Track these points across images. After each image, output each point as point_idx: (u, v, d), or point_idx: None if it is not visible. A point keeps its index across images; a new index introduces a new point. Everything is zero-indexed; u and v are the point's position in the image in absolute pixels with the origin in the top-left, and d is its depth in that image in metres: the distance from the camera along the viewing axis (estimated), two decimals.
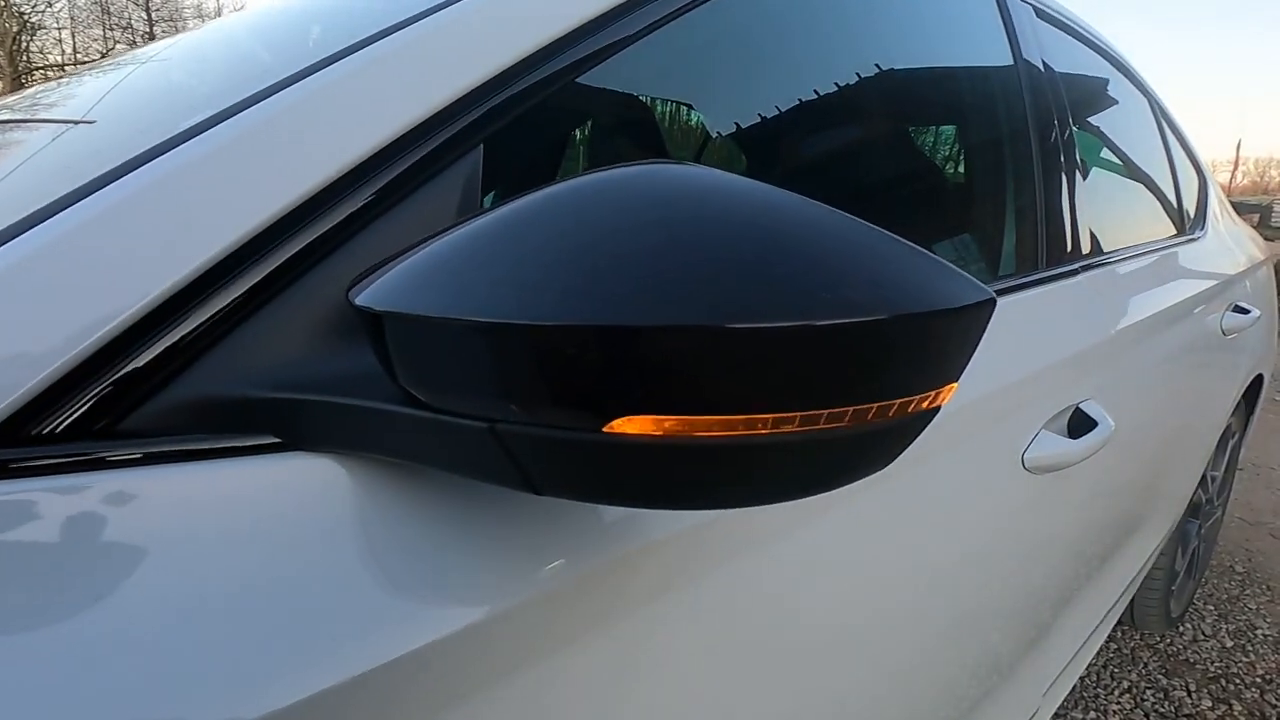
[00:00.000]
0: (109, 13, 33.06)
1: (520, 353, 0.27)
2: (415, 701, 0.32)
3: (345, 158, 0.36)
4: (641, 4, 0.50)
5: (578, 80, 0.46)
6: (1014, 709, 0.95)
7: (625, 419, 0.26)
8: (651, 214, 0.28)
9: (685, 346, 0.25)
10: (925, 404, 0.29)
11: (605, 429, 0.26)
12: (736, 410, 0.26)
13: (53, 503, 0.28)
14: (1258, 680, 1.67)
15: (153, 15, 35.36)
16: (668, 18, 0.51)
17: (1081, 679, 1.63)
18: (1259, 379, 1.79)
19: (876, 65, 0.77)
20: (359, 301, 0.31)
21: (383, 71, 0.41)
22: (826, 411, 0.27)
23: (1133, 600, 1.61)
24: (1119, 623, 1.75)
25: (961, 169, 0.93)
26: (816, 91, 0.71)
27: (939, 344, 0.28)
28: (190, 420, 0.32)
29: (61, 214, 0.32)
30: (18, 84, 12.19)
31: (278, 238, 0.34)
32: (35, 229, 0.32)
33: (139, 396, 0.31)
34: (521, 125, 0.43)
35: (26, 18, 15.55)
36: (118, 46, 33.78)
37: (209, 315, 0.32)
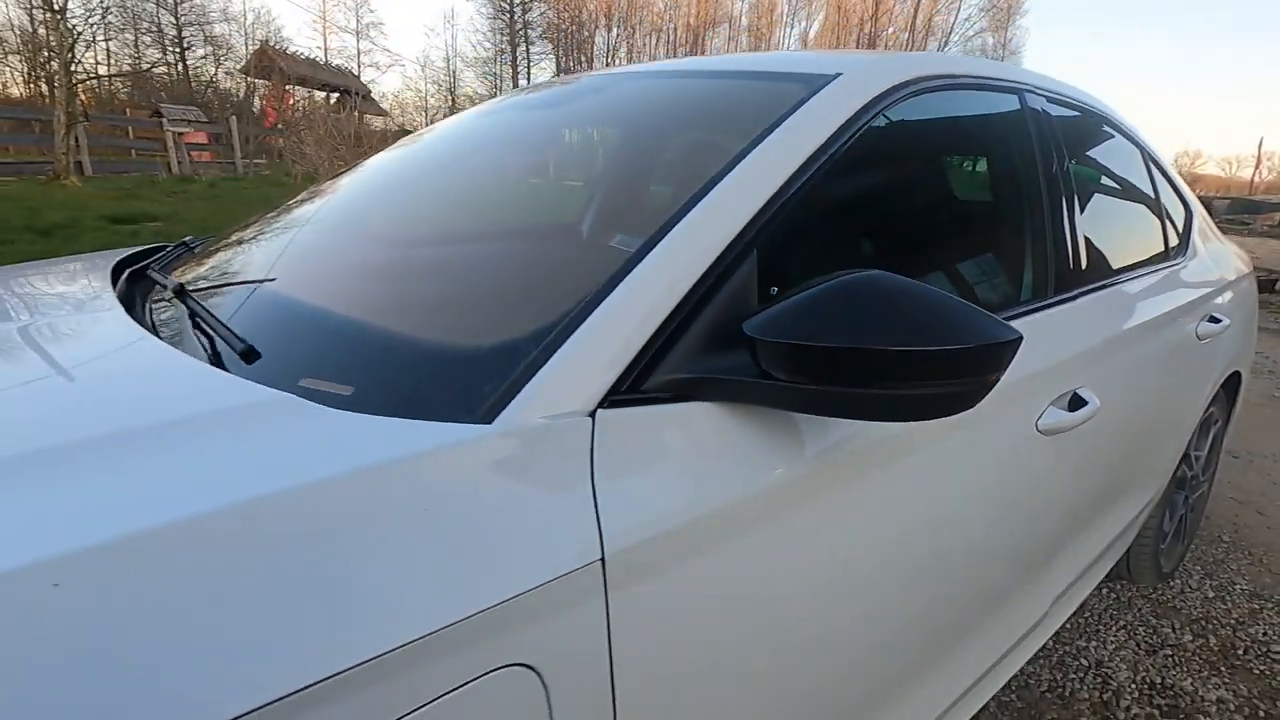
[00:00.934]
0: (138, 17, 33.71)
1: (830, 359, 0.67)
2: (755, 515, 0.72)
3: (729, 235, 0.77)
4: (820, 162, 0.89)
5: (820, 187, 0.87)
6: (1026, 613, 1.34)
7: (886, 382, 0.66)
8: (876, 295, 0.68)
9: (894, 357, 0.65)
10: (989, 380, 0.69)
11: (876, 387, 0.66)
12: (919, 378, 0.66)
13: (637, 423, 0.68)
14: (1231, 622, 2.04)
15: (180, 19, 36.02)
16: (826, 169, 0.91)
17: (1084, 618, 2.00)
18: (1237, 375, 2.16)
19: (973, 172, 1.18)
20: (746, 330, 0.71)
21: (733, 192, 0.81)
22: (951, 381, 0.67)
23: (1128, 556, 1.97)
24: (1118, 577, 2.13)
25: (1005, 236, 1.31)
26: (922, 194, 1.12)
27: (993, 358, 0.68)
28: (662, 389, 0.71)
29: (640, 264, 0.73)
30: (72, 93, 12.76)
31: (703, 289, 0.74)
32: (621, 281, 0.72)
33: (646, 377, 0.70)
34: (793, 224, 0.83)
35: (77, 29, 16.20)
36: (149, 51, 34.23)
37: (672, 331, 0.72)
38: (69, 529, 0.47)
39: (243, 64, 32.04)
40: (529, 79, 48.14)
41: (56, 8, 12.11)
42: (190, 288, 0.94)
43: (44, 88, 35.41)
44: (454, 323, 0.81)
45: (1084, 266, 1.39)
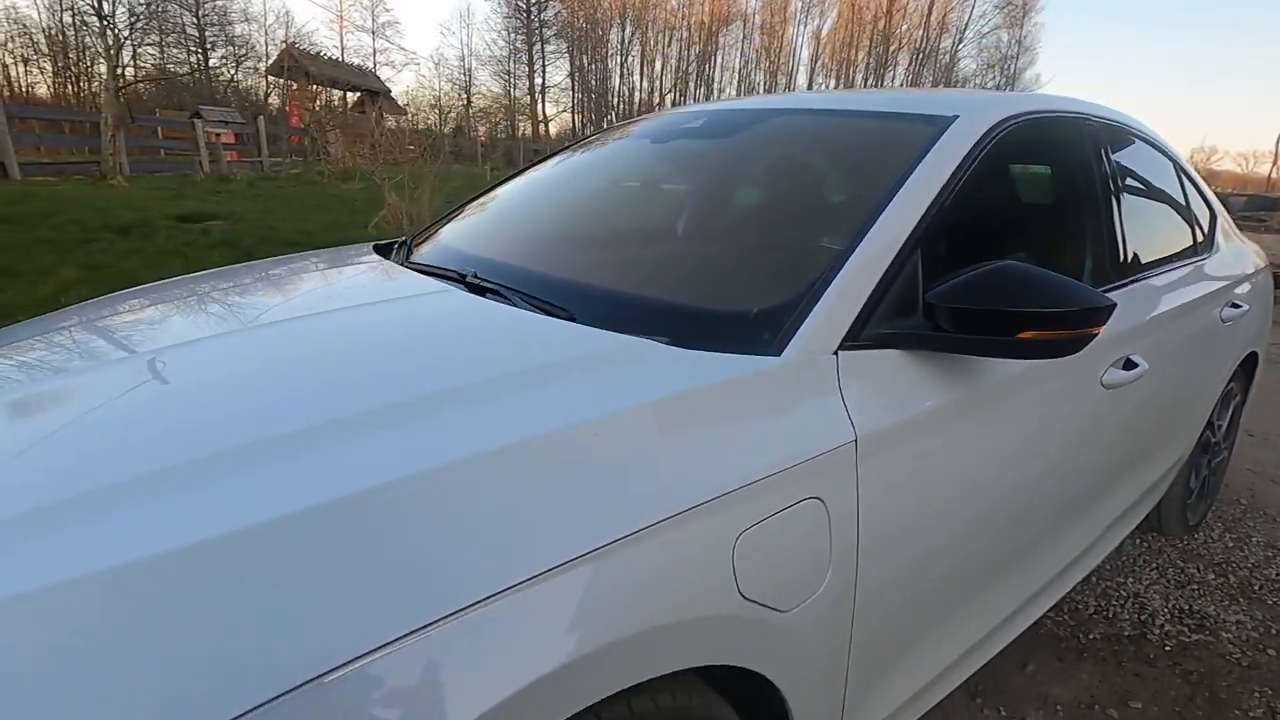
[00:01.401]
0: (162, 17, 34.24)
1: (985, 318, 1.03)
2: (929, 424, 1.09)
3: (902, 236, 1.13)
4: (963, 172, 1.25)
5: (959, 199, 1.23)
6: (1087, 531, 1.69)
7: (1025, 333, 1.02)
8: (1013, 275, 1.04)
9: (1026, 315, 1.01)
10: (1091, 333, 1.05)
11: (1019, 335, 1.02)
12: (1042, 329, 1.02)
13: (859, 360, 1.04)
14: (1249, 566, 2.38)
15: (203, 20, 36.60)
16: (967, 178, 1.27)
17: (1121, 560, 2.35)
18: (1254, 355, 2.50)
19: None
20: (928, 298, 1.07)
21: (902, 206, 1.17)
22: (1063, 333, 1.03)
23: (1159, 509, 2.31)
24: (1150, 530, 2.47)
25: (1076, 234, 1.66)
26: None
27: (1095, 317, 1.04)
28: (870, 340, 1.07)
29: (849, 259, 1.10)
30: (119, 95, 13.24)
31: (890, 274, 1.10)
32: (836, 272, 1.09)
33: (860, 332, 1.06)
34: (939, 227, 1.19)
35: (123, 34, 16.75)
36: (171, 52, 34.65)
37: (874, 303, 1.08)
38: (540, 418, 0.84)
39: (268, 65, 32.51)
40: (544, 78, 48.53)
41: (105, 13, 12.60)
42: (502, 268, 1.31)
43: (70, 89, 36.22)
44: (753, 296, 1.17)
45: (1132, 259, 1.74)
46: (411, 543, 0.68)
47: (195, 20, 35.43)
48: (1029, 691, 1.76)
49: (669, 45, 51.07)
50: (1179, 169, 2.24)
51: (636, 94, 51.68)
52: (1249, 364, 2.52)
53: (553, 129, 48.55)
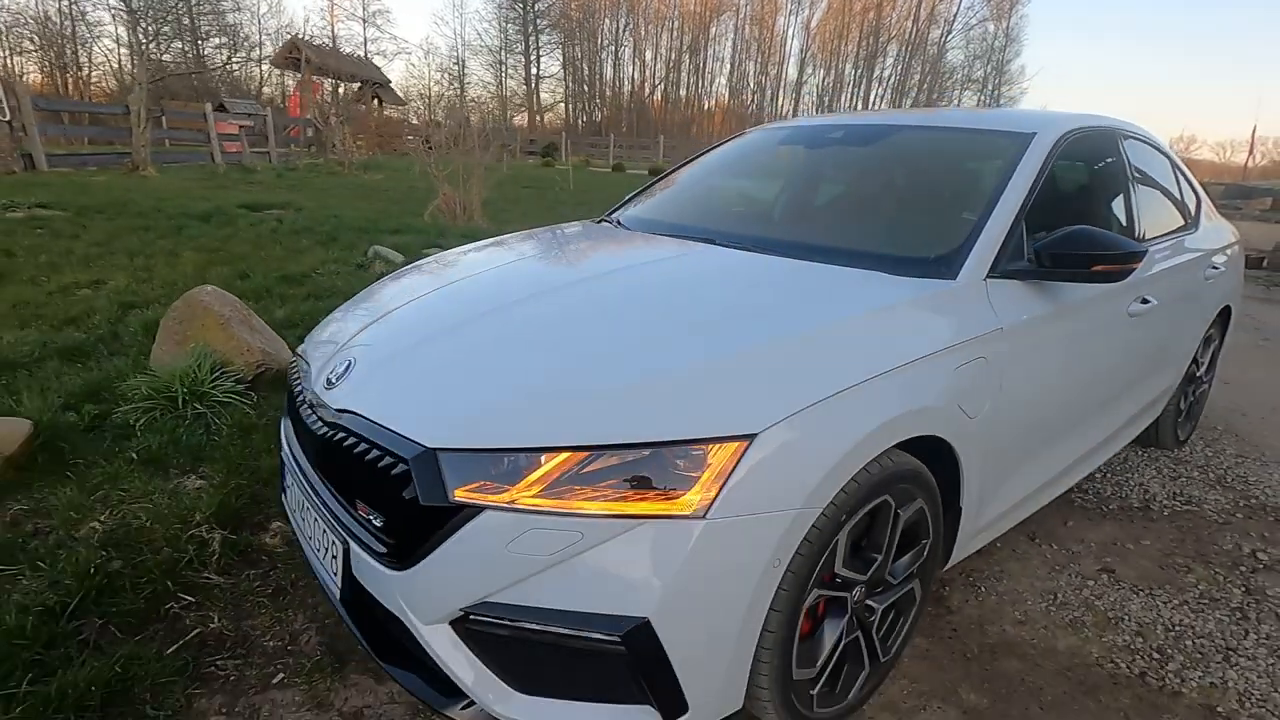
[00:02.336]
0: (161, 8, 34.17)
1: (1073, 260, 1.74)
2: (1030, 329, 1.80)
3: (1014, 211, 1.84)
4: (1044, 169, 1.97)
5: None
6: (1112, 420, 2.42)
7: (1096, 265, 1.74)
8: (1084, 234, 1.76)
9: (1096, 256, 1.73)
10: (1133, 266, 1.77)
11: (1092, 267, 1.74)
12: (1107, 264, 1.73)
13: (995, 286, 1.75)
14: (1223, 467, 3.14)
15: (195, 10, 36.41)
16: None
17: (1128, 463, 3.09)
18: (1228, 309, 3.25)
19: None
20: (1035, 247, 1.78)
21: (1012, 193, 1.88)
22: (1116, 267, 1.74)
23: (1157, 425, 3.05)
24: (1149, 444, 3.22)
25: (1111, 213, 2.38)
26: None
27: (1137, 256, 1.75)
28: (1000, 274, 1.77)
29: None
30: (146, 88, 13.61)
31: (1009, 232, 1.80)
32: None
33: (995, 269, 1.76)
34: (1033, 206, 1.90)
35: (152, 28, 17.03)
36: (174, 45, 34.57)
37: (1000, 251, 1.78)
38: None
39: (272, 55, 32.57)
40: (539, 68, 48.79)
41: (134, 7, 12.96)
42: (750, 237, 2.02)
43: (58, 79, 36.07)
44: (934, 247, 1.83)
45: (1144, 230, 2.46)
46: (801, 366, 1.38)
47: (188, 7, 35.31)
48: (1070, 535, 2.49)
49: (660, 35, 51.52)
50: (1173, 164, 2.97)
51: (628, 84, 52.12)
52: (1225, 315, 3.27)
53: (546, 119, 48.88)
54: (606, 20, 48.85)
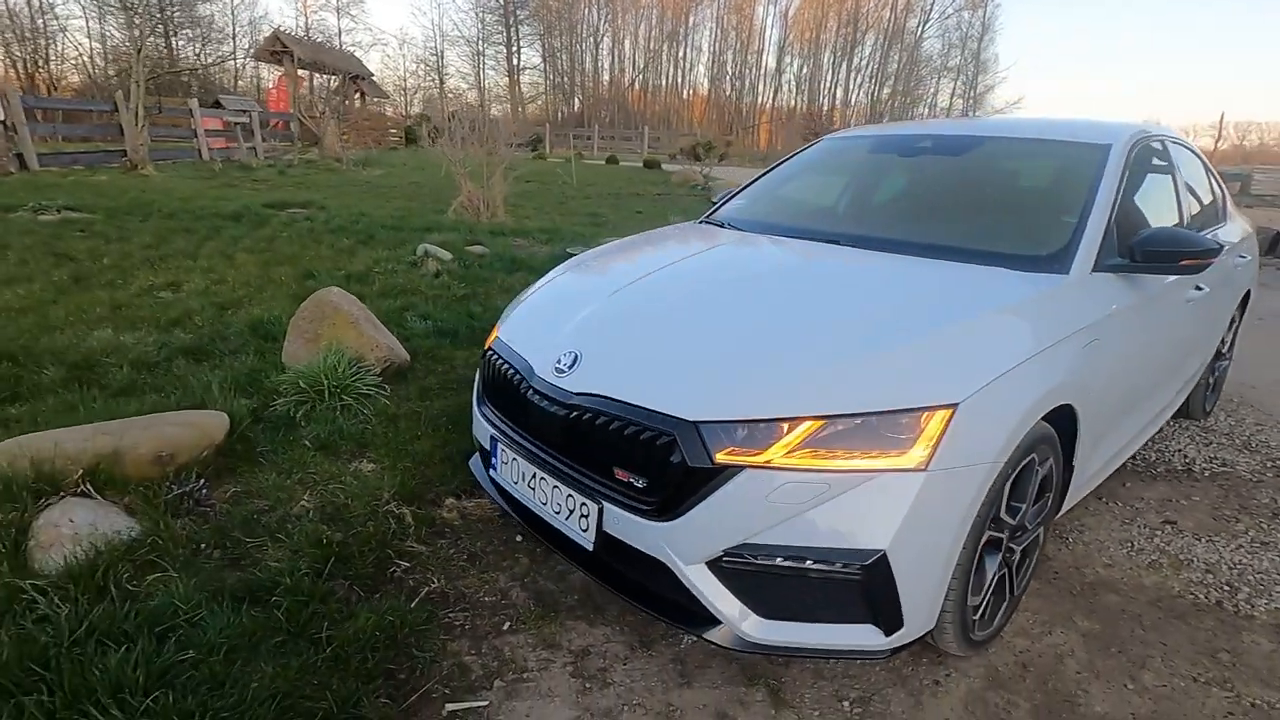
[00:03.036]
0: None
1: (1159, 255, 2.07)
2: (1120, 314, 2.14)
3: (1107, 211, 2.17)
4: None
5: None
6: (1165, 396, 2.77)
7: (1183, 260, 2.07)
8: (1164, 233, 2.11)
9: (1180, 254, 2.07)
10: (1211, 261, 2.10)
11: (1180, 261, 2.07)
12: (1188, 260, 2.07)
13: (1095, 278, 2.07)
14: (1247, 434, 3.52)
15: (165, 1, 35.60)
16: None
17: (1167, 433, 3.46)
18: (1249, 291, 3.63)
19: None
20: (1132, 242, 2.11)
21: (1103, 194, 2.21)
22: (1198, 261, 2.08)
23: (1189, 398, 3.42)
24: (1180, 415, 3.59)
25: (1169, 210, 2.72)
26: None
27: (1214, 251, 2.09)
28: (1099, 268, 2.10)
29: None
30: (143, 87, 13.51)
31: (1106, 233, 2.13)
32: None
33: (1097, 265, 2.09)
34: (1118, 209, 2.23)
35: (146, 25, 16.77)
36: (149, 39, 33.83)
37: (1102, 248, 2.11)
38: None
39: (251, 48, 32.04)
40: (519, 59, 48.54)
41: (130, 5, 12.82)
42: (871, 237, 2.33)
43: (20, 71, 35.06)
44: (1046, 246, 2.14)
45: (1189, 224, 2.81)
46: (981, 347, 1.69)
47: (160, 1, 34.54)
48: (1130, 495, 2.85)
49: (639, 25, 51.53)
50: (1204, 165, 3.33)
51: (607, 75, 52.08)
52: (1245, 299, 3.66)
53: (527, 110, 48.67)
54: (586, 9, 48.73)
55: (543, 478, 1.84)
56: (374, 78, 33.07)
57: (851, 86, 51.59)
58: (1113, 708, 1.74)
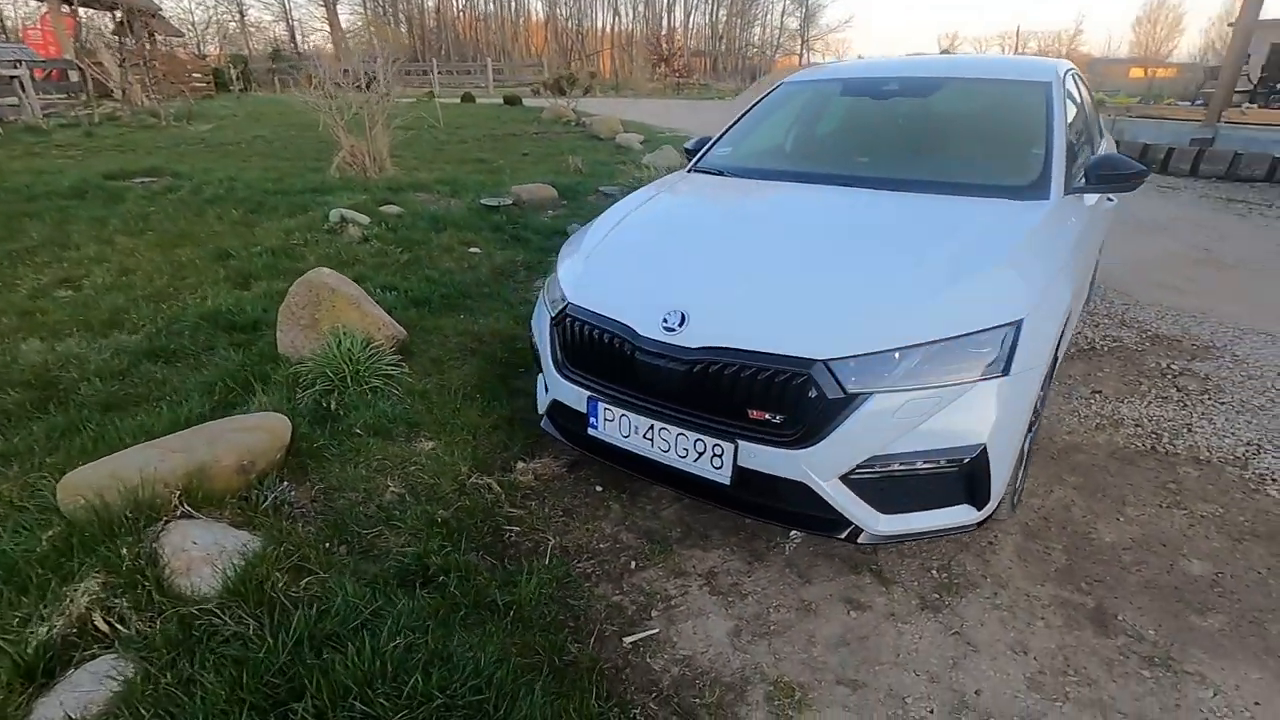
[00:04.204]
0: None
1: (1107, 176, 2.54)
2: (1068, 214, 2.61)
3: (1065, 139, 2.60)
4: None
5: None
6: (1085, 284, 3.38)
7: (1130, 179, 2.55)
8: (1111, 159, 2.57)
9: (1124, 176, 2.55)
10: (1145, 178, 2.61)
11: (1128, 180, 2.55)
12: (1129, 179, 2.56)
13: (1064, 199, 2.51)
14: (1122, 313, 4.33)
15: None
16: None
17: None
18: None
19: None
20: (1086, 169, 2.56)
21: (1058, 128, 2.63)
22: (1138, 179, 2.58)
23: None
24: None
25: (1090, 138, 3.24)
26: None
27: (1146, 170, 2.60)
28: (1066, 190, 2.53)
29: None
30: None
31: (1067, 158, 2.57)
32: None
33: (1063, 189, 2.52)
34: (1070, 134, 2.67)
35: None
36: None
37: (1066, 175, 2.54)
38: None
39: None
40: None
41: None
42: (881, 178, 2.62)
43: None
44: (1028, 175, 2.53)
45: (1100, 147, 3.37)
46: (1024, 270, 2.05)
47: None
48: (1061, 374, 3.47)
49: None
50: (1090, 91, 3.93)
51: (432, 1, 48.28)
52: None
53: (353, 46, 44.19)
54: None
55: (663, 428, 2.02)
56: (162, 14, 28.50)
57: (689, 8, 51.53)
58: (1117, 536, 2.27)
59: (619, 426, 2.13)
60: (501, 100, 20.11)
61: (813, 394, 1.80)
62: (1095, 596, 2.02)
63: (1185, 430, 2.92)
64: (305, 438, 2.44)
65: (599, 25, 53.97)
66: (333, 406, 2.69)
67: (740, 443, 1.89)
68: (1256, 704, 1.67)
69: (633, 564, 2.15)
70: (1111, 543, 2.24)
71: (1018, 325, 1.88)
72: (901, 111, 3.15)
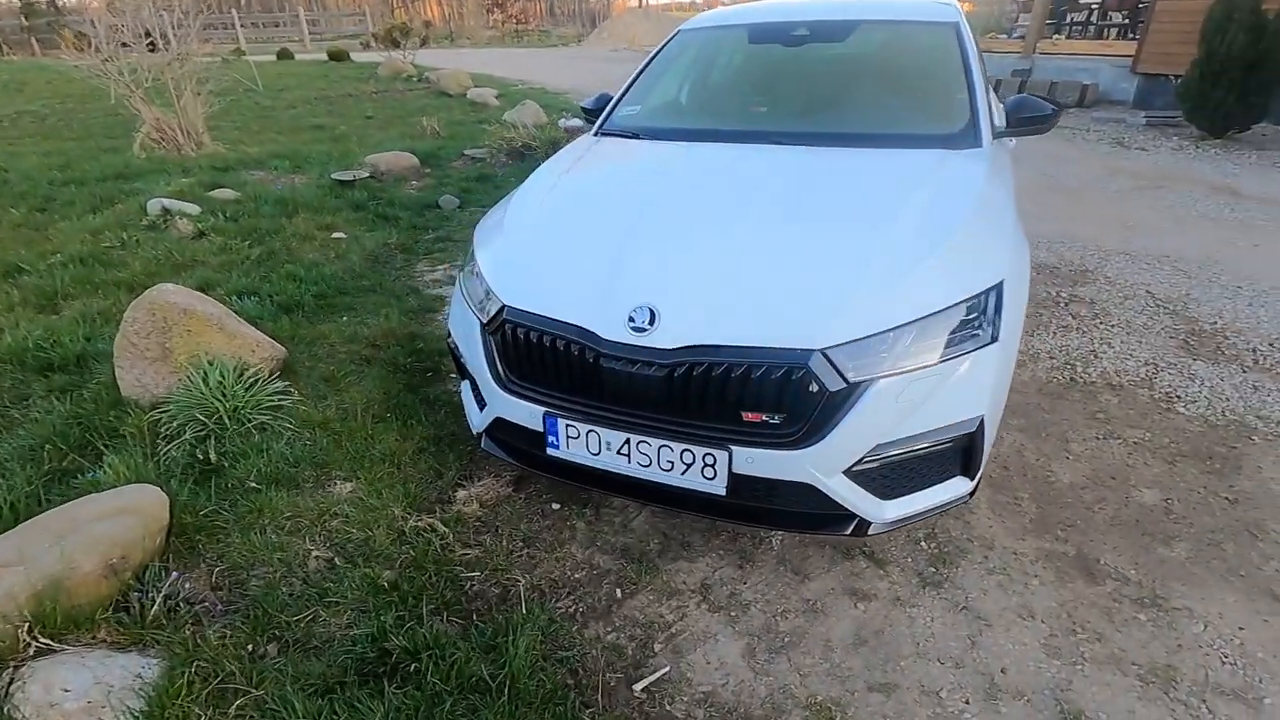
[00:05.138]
0: None
1: (1016, 122, 2.54)
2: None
3: (984, 79, 2.56)
4: None
5: None
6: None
7: (1049, 121, 2.56)
8: (1023, 100, 2.56)
9: (1046, 116, 2.56)
10: (1057, 121, 2.63)
11: (1046, 123, 2.56)
12: (1052, 120, 2.57)
13: (990, 146, 2.48)
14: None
15: None
16: None
17: None
18: None
19: None
20: (1006, 113, 2.54)
21: (974, 66, 2.59)
22: (1054, 122, 2.60)
23: None
24: None
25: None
26: None
27: (1059, 113, 2.62)
28: (995, 135, 2.50)
29: None
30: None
31: (988, 105, 2.53)
32: None
33: (993, 132, 2.49)
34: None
35: None
36: None
37: (989, 119, 2.51)
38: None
39: None
40: None
41: None
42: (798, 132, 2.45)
43: None
44: (959, 123, 2.46)
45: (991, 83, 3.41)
46: (990, 226, 1.97)
47: None
48: None
49: None
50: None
51: None
52: None
53: None
54: None
55: (641, 441, 1.77)
56: None
57: None
58: (1072, 475, 2.34)
59: (586, 443, 1.86)
60: (326, 56, 18.02)
61: (813, 388, 1.63)
62: (1073, 543, 2.06)
63: (1093, 357, 3.09)
64: (186, 507, 1.94)
65: None
66: (212, 458, 2.19)
67: (734, 449, 1.69)
68: (1241, 629, 1.76)
69: (618, 592, 1.92)
70: (1070, 483, 2.30)
71: (999, 288, 1.80)
72: (816, 58, 2.99)
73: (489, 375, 2.00)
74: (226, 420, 2.30)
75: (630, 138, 2.80)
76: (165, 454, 2.18)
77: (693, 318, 1.71)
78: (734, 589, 1.93)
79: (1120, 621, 1.79)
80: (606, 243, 1.99)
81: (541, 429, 1.91)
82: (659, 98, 3.04)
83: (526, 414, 1.93)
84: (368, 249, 4.49)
